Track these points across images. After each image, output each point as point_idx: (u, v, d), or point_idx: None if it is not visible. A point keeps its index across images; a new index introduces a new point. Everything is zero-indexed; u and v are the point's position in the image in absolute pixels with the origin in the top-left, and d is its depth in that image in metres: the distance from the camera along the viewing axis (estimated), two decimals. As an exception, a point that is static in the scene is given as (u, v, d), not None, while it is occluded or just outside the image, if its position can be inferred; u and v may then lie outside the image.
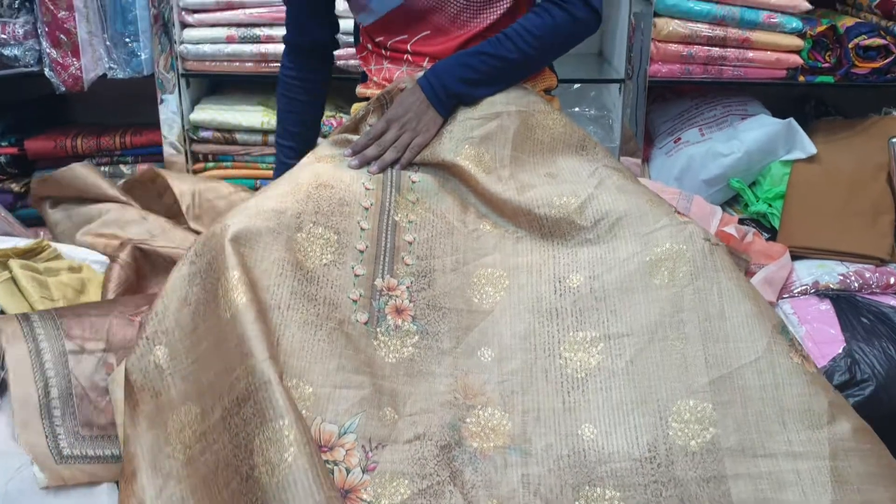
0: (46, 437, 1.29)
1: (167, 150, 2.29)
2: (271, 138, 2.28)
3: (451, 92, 1.49)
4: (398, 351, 1.35)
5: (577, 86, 2.51)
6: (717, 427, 1.26)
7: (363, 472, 1.19)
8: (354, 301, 1.36)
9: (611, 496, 1.23)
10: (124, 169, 2.27)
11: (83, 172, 1.81)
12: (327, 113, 2.28)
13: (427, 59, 1.56)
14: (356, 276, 1.39)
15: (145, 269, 1.48)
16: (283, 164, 1.67)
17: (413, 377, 1.33)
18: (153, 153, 2.31)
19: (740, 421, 1.27)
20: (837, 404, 1.29)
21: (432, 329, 1.39)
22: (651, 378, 1.32)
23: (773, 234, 2.05)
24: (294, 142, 1.71)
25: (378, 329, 1.36)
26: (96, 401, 1.33)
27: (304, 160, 1.51)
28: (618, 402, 1.32)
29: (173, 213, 1.94)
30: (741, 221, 2.05)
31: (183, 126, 2.28)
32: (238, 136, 2.29)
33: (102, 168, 2.27)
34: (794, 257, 1.92)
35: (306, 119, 1.73)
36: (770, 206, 2.07)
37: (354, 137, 1.53)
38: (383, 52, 1.61)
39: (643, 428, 1.28)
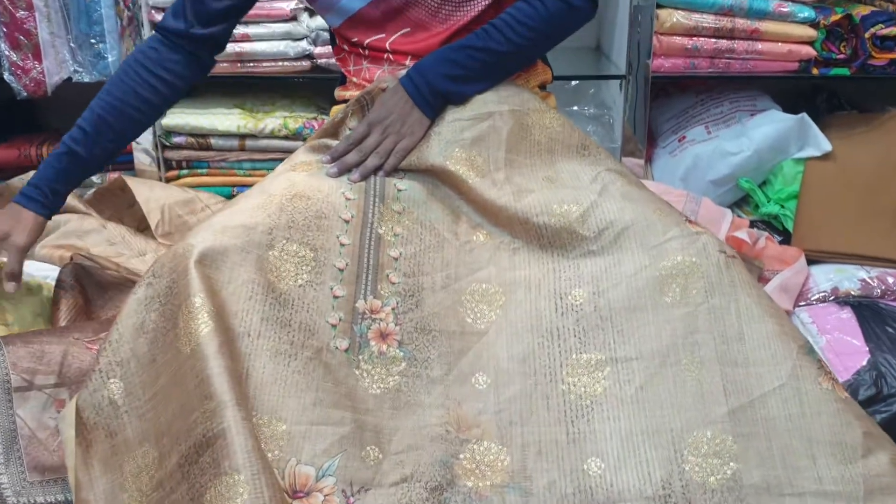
0: None
1: (138, 158, 2.18)
2: (249, 143, 2.18)
3: (436, 90, 1.38)
4: (383, 381, 1.23)
5: (574, 83, 2.45)
6: (738, 462, 1.15)
7: (343, 522, 1.07)
8: (333, 326, 1.25)
9: None
10: (93, 178, 2.14)
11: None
12: (307, 115, 2.17)
13: (409, 57, 1.45)
14: (335, 297, 1.27)
15: (90, 290, 1.37)
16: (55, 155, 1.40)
17: (399, 410, 1.22)
18: (123, 161, 2.19)
19: (764, 455, 1.16)
20: (873, 435, 1.18)
21: (421, 355, 1.27)
22: (664, 407, 1.21)
23: (785, 237, 1.96)
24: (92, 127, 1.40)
25: (360, 357, 1.25)
26: (46, 441, 1.21)
27: (279, 168, 1.39)
28: (627, 433, 1.20)
29: (146, 224, 1.85)
30: (751, 224, 1.96)
31: (155, 131, 2.17)
32: (213, 142, 2.19)
33: (70, 178, 2.15)
34: (811, 262, 1.83)
35: (128, 109, 1.43)
36: (782, 206, 1.97)
37: (334, 142, 1.41)
38: (361, 51, 1.49)
39: (656, 462, 1.17)
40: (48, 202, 1.38)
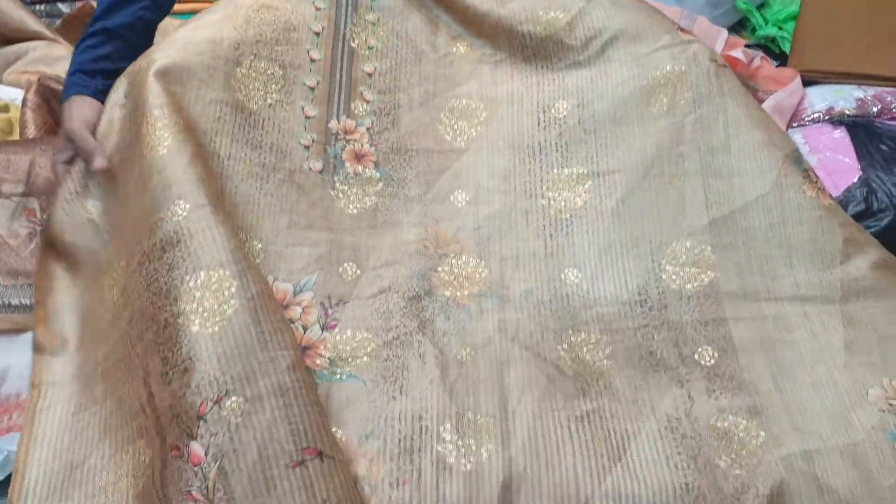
0: None
1: (107, -18, 2.06)
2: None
3: None
4: (360, 201, 1.21)
5: None
6: (716, 270, 1.16)
7: (322, 330, 1.08)
8: (306, 147, 1.22)
9: (597, 339, 1.12)
10: (62, 7, 2.04)
11: (5, 6, 1.62)
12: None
13: None
14: (307, 118, 1.23)
15: (58, 109, 1.32)
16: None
17: (377, 229, 1.20)
18: (94, -13, 2.08)
19: (742, 265, 1.17)
20: (855, 241, 1.17)
21: (398, 175, 1.25)
22: (644, 219, 1.21)
23: (782, 61, 1.88)
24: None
25: (335, 178, 1.22)
26: (18, 248, 1.19)
27: None
28: (606, 245, 1.20)
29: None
30: (748, 47, 1.87)
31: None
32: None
33: (37, 7, 2.03)
34: (807, 83, 1.76)
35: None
36: (780, 28, 1.90)
37: None
38: None
39: (633, 271, 1.18)
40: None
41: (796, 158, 1.22)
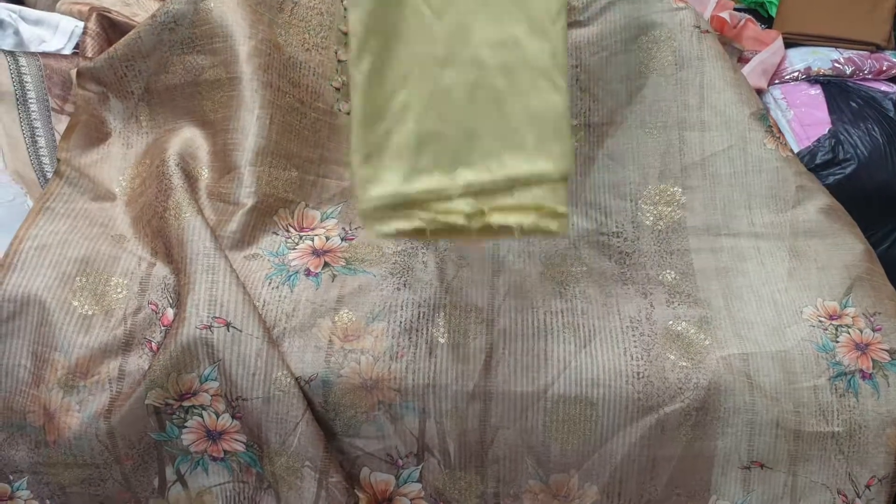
0: (33, 165, 1.36)
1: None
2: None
3: None
4: None
5: None
6: (684, 210, 1.33)
7: (342, 240, 1.27)
8: (337, 89, 1.39)
9: (576, 257, 1.30)
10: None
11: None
12: None
13: None
14: (339, 61, 1.40)
15: (115, 39, 1.47)
16: None
17: None
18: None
19: (707, 204, 1.34)
20: (806, 188, 1.34)
21: None
22: (626, 164, 1.38)
23: (769, 25, 2.00)
24: None
25: None
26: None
27: None
28: (591, 186, 1.38)
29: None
30: (738, 10, 2.01)
31: None
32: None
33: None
34: (789, 44, 1.90)
35: None
36: (769, -7, 2.02)
37: None
38: None
39: (613, 209, 1.35)
40: None
41: (761, 116, 1.40)
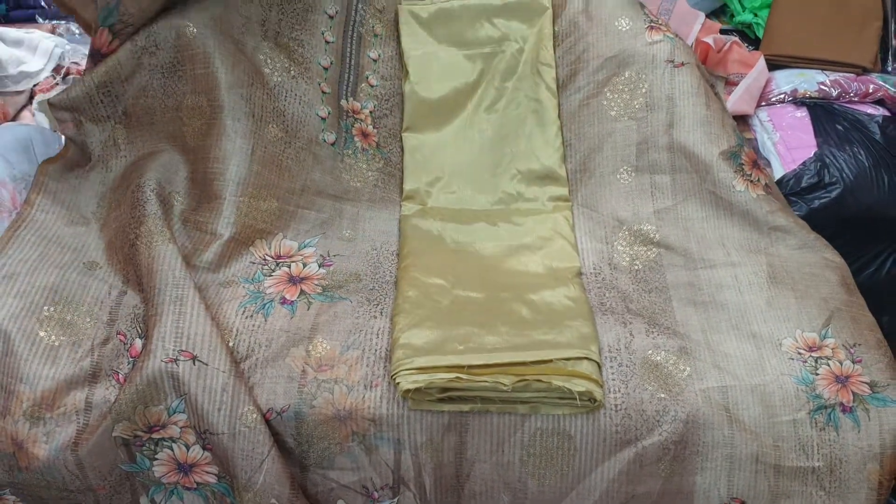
0: None
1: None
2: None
3: None
4: (363, 175, 1.40)
5: None
6: (659, 247, 1.33)
7: (319, 267, 1.26)
8: (323, 119, 1.39)
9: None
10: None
11: None
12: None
13: None
14: (323, 93, 1.40)
15: None
16: None
17: (375, 203, 1.39)
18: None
19: (682, 240, 1.34)
20: (781, 228, 1.33)
21: (395, 159, 1.43)
22: (599, 207, 1.40)
23: (756, 47, 1.99)
24: None
25: (345, 151, 1.40)
26: None
27: None
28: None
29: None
30: (726, 32, 2.00)
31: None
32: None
33: None
34: (776, 66, 1.90)
35: None
36: (756, 15, 2.02)
37: None
38: None
39: (591, 251, 1.36)
40: None
41: (732, 154, 1.38)
